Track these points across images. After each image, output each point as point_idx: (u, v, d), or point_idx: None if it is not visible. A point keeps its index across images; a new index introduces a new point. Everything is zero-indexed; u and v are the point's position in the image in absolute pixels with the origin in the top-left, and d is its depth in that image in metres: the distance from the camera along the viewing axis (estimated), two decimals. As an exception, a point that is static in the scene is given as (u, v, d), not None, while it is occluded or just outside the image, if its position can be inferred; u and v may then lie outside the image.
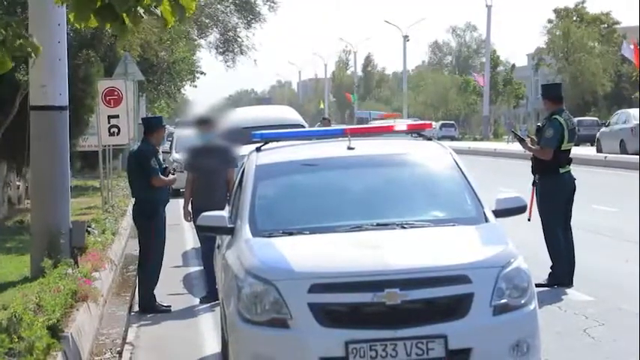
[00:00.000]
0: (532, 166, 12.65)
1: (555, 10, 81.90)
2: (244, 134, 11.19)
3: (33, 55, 6.82)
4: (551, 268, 12.29)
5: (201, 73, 43.56)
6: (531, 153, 12.65)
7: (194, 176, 12.85)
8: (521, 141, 12.81)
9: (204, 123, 13.00)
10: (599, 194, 21.97)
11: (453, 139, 73.19)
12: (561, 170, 12.34)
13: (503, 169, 35.60)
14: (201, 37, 43.77)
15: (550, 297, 11.44)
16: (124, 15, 6.62)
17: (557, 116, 12.39)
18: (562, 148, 12.31)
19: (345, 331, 6.80)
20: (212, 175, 12.53)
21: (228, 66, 44.78)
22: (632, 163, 35.33)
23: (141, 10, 6.63)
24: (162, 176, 12.10)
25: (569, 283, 12.20)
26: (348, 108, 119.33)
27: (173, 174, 12.44)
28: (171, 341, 10.70)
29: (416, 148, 8.87)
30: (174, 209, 20.38)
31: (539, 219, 12.44)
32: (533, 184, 12.53)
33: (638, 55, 50.75)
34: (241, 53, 44.42)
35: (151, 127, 12.41)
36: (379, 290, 6.80)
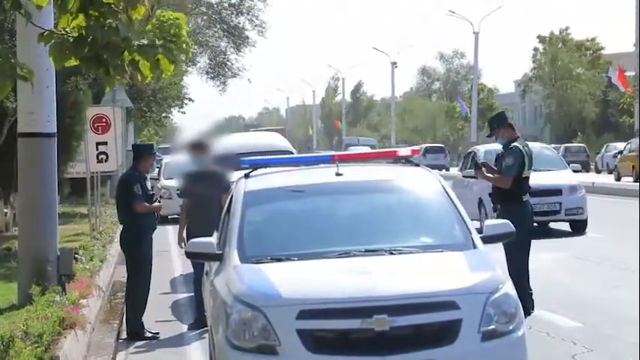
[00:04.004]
0: (493, 195, 12.35)
1: (539, 37, 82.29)
2: (233, 160, 11.18)
3: (27, 79, 6.92)
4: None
5: (189, 99, 43.58)
6: (489, 181, 12.45)
7: (189, 202, 12.86)
8: (477, 168, 12.48)
9: (198, 147, 13.01)
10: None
11: (442, 168, 68.52)
12: (524, 198, 12.23)
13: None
14: (190, 65, 43.81)
15: (538, 323, 11.43)
16: (110, 67, 6.78)
17: (516, 144, 12.29)
18: (523, 176, 12.21)
19: (334, 357, 6.80)
20: (206, 201, 12.51)
21: (220, 90, 44.87)
22: (617, 190, 35.48)
23: (125, 63, 6.77)
24: (145, 203, 12.08)
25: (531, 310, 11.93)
26: (337, 134, 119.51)
27: (159, 201, 12.44)
28: (159, 368, 10.66)
29: (404, 174, 8.89)
30: (163, 236, 20.34)
31: (504, 248, 11.61)
32: (494, 209, 12.27)
33: (624, 79, 51.10)
34: (233, 76, 44.52)
35: (140, 154, 12.44)
36: (367, 316, 6.80)
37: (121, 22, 6.61)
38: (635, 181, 40.48)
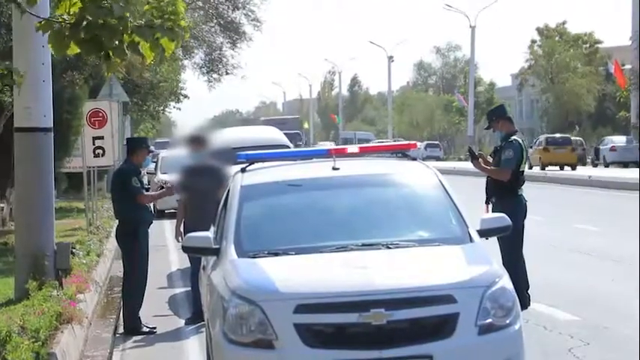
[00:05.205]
0: (487, 187, 12.25)
1: (538, 30, 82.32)
2: (230, 155, 11.17)
3: (17, 83, 6.90)
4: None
5: (185, 96, 43.52)
6: (485, 173, 12.41)
7: (186, 196, 12.84)
8: (474, 159, 12.46)
9: (195, 141, 13.00)
10: (581, 213, 22.05)
11: (437, 159, 73.65)
12: (519, 192, 12.20)
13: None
14: (186, 58, 43.76)
15: (535, 316, 11.43)
16: (109, 49, 6.75)
17: (516, 137, 12.29)
18: (520, 169, 12.21)
19: (331, 351, 6.80)
20: (204, 195, 12.49)
21: (211, 86, 44.76)
22: (613, 183, 35.49)
23: (124, 45, 6.74)
24: (148, 192, 12.09)
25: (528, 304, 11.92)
26: (333, 129, 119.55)
27: (162, 188, 12.46)
28: (156, 363, 10.66)
29: (400, 168, 8.88)
30: (159, 230, 20.34)
31: (499, 242, 11.44)
32: (487, 202, 12.17)
33: (620, 73, 51.12)
34: (227, 73, 44.42)
35: (133, 147, 12.45)
36: (365, 310, 6.81)
37: (116, 2, 6.57)
38: (542, 170, 48.71)
